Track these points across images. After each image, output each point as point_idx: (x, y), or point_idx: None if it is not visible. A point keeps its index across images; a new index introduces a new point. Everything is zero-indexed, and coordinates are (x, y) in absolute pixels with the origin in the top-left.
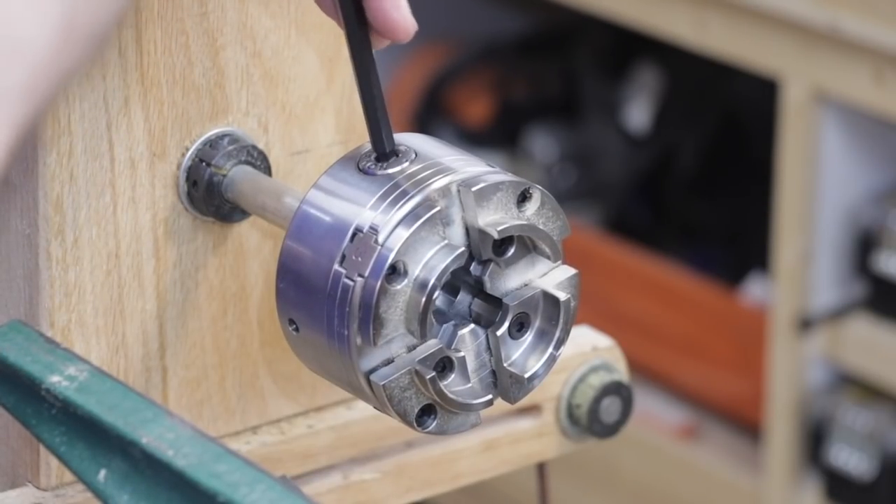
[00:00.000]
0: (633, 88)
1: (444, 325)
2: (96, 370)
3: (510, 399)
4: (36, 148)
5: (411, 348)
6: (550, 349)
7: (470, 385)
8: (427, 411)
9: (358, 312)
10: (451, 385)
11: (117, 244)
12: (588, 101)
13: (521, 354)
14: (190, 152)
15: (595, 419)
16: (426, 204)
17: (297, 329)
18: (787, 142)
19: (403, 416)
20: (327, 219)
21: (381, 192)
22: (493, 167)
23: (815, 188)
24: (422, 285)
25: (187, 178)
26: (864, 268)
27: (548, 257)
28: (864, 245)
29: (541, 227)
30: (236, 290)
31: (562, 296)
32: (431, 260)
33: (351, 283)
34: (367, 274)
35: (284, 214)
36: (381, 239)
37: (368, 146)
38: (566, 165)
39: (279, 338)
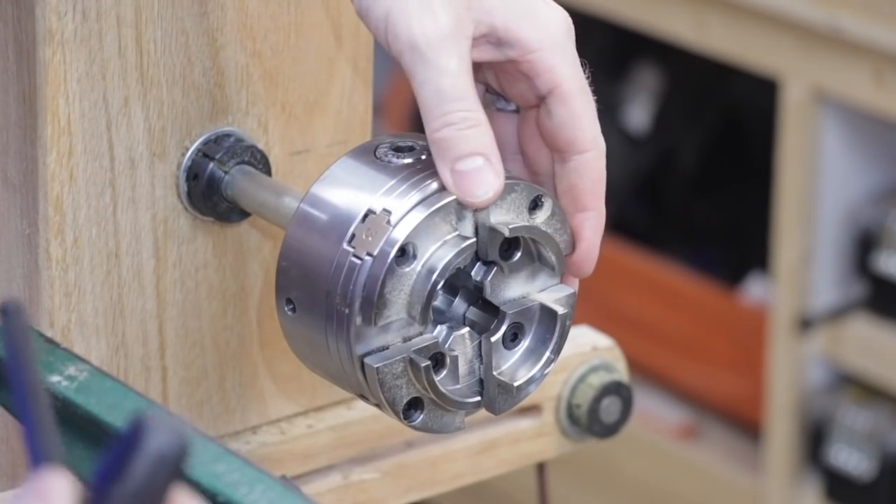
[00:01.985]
0: (633, 88)
1: (440, 326)
2: (96, 370)
3: (494, 409)
4: (36, 148)
5: (407, 339)
6: (541, 364)
7: (458, 387)
8: (415, 405)
9: (362, 291)
10: (442, 382)
11: (117, 244)
12: None
13: (512, 365)
14: (190, 152)
15: (595, 419)
16: (440, 193)
17: (293, 309)
18: (787, 142)
19: (392, 405)
20: (340, 200)
21: (396, 179)
22: (507, 171)
23: (815, 188)
24: (429, 271)
25: (187, 178)
26: (864, 268)
27: (552, 268)
28: (864, 245)
29: (550, 232)
30: (236, 290)
31: (559, 310)
32: (441, 248)
33: (358, 261)
34: (376, 253)
35: (284, 214)
36: (393, 220)
37: (386, 138)
38: None
39: (279, 338)
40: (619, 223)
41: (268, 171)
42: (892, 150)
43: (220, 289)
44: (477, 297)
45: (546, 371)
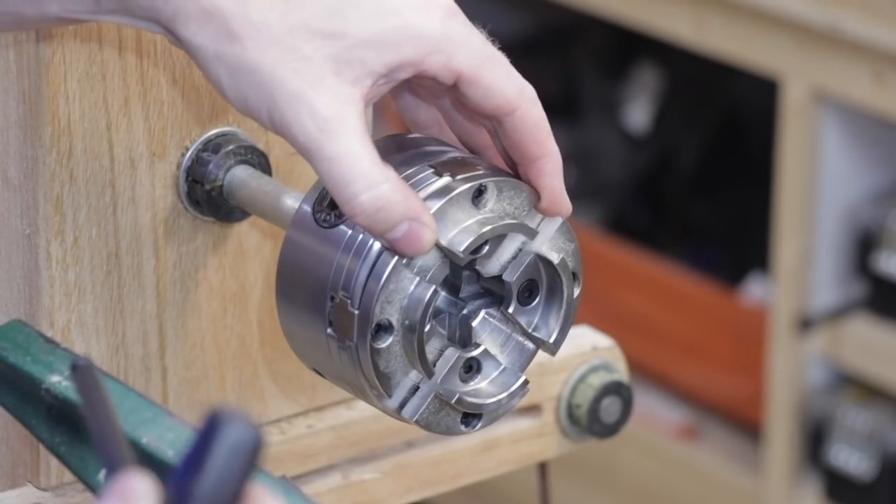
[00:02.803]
0: (633, 88)
1: (460, 317)
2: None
3: (552, 353)
4: (36, 148)
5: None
6: (564, 306)
7: (504, 367)
8: (470, 415)
9: (363, 376)
10: (485, 377)
11: (117, 244)
12: (588, 101)
13: (540, 318)
14: (190, 152)
15: (595, 419)
16: (384, 252)
17: (320, 374)
18: (787, 142)
19: (448, 432)
20: (304, 288)
21: (340, 249)
22: (437, 176)
23: (815, 188)
24: (410, 329)
25: (187, 178)
26: (864, 268)
27: (527, 228)
28: (864, 245)
29: (506, 207)
30: (236, 290)
31: (554, 257)
32: (410, 303)
33: (345, 347)
34: (355, 340)
35: (284, 215)
36: (355, 302)
37: (320, 188)
38: (566, 165)
39: (279, 338)
40: (619, 223)
41: (268, 171)
42: (892, 150)
43: (220, 289)
44: (476, 274)
45: (574, 299)
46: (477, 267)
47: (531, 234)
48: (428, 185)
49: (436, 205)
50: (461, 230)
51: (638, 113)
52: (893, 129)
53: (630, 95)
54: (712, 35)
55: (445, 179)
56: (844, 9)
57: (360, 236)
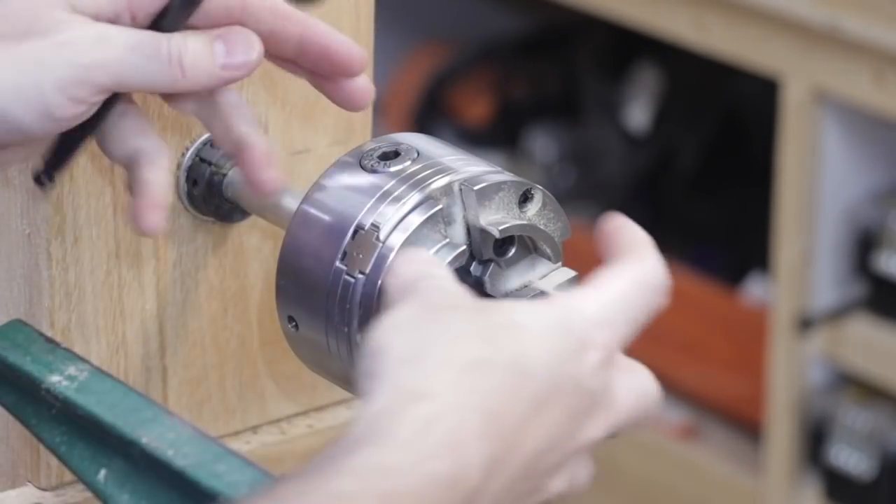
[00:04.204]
0: (633, 88)
1: None
2: (96, 370)
3: None
4: None
5: None
6: None
7: None
8: None
9: (358, 310)
10: None
11: (117, 244)
12: (588, 101)
13: None
14: (190, 152)
15: None
16: (428, 202)
17: (296, 327)
18: (787, 142)
19: None
20: (329, 216)
21: (383, 190)
22: (494, 167)
23: (815, 188)
24: None
25: (187, 178)
26: (864, 268)
27: (548, 258)
28: (864, 245)
29: (542, 227)
30: (236, 290)
31: None
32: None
33: (352, 280)
34: (368, 271)
35: (284, 214)
36: (382, 236)
37: (371, 144)
38: (566, 165)
39: (279, 338)
40: None
41: None
42: (892, 150)
43: (220, 289)
44: (479, 291)
45: None
46: (485, 278)
47: (557, 257)
48: (485, 167)
49: (483, 183)
50: (500, 219)
51: (638, 113)
52: (893, 129)
53: (630, 95)
54: (712, 35)
55: (500, 173)
56: (844, 9)
57: (407, 184)
